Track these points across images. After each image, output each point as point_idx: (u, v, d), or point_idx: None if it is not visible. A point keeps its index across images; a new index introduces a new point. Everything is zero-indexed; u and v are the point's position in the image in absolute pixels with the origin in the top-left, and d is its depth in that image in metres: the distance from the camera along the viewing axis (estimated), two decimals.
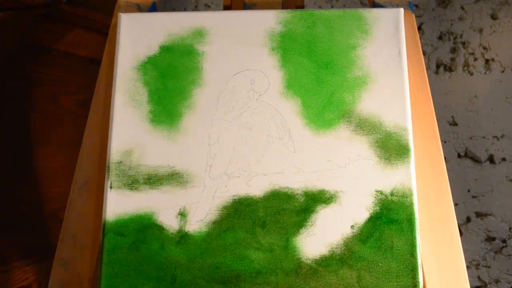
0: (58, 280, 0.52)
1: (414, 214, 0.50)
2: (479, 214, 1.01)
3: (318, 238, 0.50)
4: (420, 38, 0.85)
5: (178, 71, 0.54)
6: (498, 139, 1.00)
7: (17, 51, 0.74)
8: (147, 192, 0.51)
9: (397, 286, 0.49)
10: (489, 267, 1.01)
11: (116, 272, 0.50)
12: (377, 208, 0.50)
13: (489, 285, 1.01)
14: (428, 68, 1.03)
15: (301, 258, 0.50)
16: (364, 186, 0.51)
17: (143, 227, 0.51)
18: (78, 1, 0.81)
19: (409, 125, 0.52)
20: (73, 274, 0.52)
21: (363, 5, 1.07)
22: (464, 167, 1.02)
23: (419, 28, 1.03)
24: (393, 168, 0.51)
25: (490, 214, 1.01)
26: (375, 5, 0.61)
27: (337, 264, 0.50)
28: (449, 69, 1.02)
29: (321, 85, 0.53)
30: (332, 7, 1.09)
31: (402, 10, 0.55)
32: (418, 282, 0.49)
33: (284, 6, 0.66)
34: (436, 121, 0.56)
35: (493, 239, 1.00)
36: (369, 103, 0.53)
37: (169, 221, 0.51)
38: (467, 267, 1.00)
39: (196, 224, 0.51)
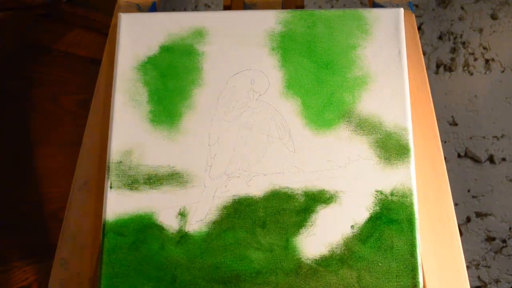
0: (58, 280, 0.52)
1: (414, 214, 0.50)
2: (479, 214, 1.01)
3: (318, 238, 0.50)
4: (420, 38, 0.85)
5: (178, 71, 0.54)
6: (498, 139, 1.00)
7: (17, 51, 0.74)
8: (147, 192, 0.51)
9: (397, 286, 0.49)
10: (489, 267, 1.01)
11: (116, 272, 0.50)
12: (377, 208, 0.50)
13: (489, 285, 1.01)
14: (428, 68, 1.03)
15: (301, 258, 0.50)
16: (364, 186, 0.51)
17: (143, 227, 0.51)
18: (78, 1, 0.81)
19: (409, 125, 0.52)
20: (73, 274, 0.52)
21: (363, 5, 1.07)
22: (464, 167, 1.02)
23: (419, 28, 1.03)
24: (393, 168, 0.51)
25: (490, 214, 1.01)
26: (375, 5, 0.61)
27: (337, 264, 0.50)
28: (449, 69, 1.02)
29: (321, 85, 0.53)
30: (332, 7, 1.09)
31: (402, 10, 0.55)
32: (418, 282, 0.49)
33: (284, 6, 0.66)
34: (436, 121, 0.56)
35: (493, 239, 1.00)
36: (369, 103, 0.53)
37: (169, 221, 0.51)
38: (467, 267, 1.00)
39: (196, 224, 0.51)
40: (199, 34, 0.55)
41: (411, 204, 0.50)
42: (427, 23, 1.04)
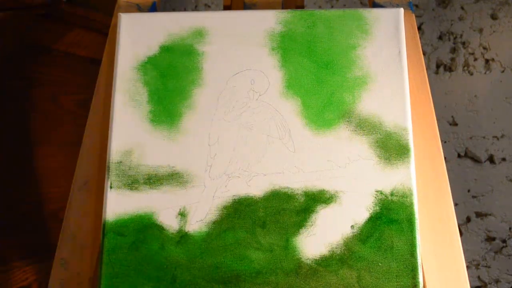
0: (58, 280, 0.52)
1: (414, 214, 0.50)
2: (479, 214, 1.01)
3: (318, 238, 0.50)
4: (420, 38, 0.85)
5: (178, 71, 0.54)
6: (498, 139, 1.00)
7: (17, 51, 0.74)
8: (147, 192, 0.51)
9: (397, 286, 0.49)
10: (489, 267, 1.01)
11: (116, 272, 0.50)
12: (377, 208, 0.50)
13: (489, 285, 1.01)
14: (428, 68, 1.03)
15: (301, 258, 0.50)
16: (364, 186, 0.51)
17: (143, 227, 0.51)
18: (78, 1, 0.81)
19: (409, 125, 0.52)
20: (73, 274, 0.52)
21: (363, 5, 1.07)
22: (464, 167, 1.02)
23: (419, 28, 1.03)
24: (393, 168, 0.51)
25: (490, 214, 1.01)
26: (375, 5, 0.61)
27: (337, 264, 0.50)
28: (449, 69, 1.02)
29: (321, 85, 0.53)
30: (332, 7, 1.09)
31: (402, 10, 0.55)
32: (418, 282, 0.49)
33: (284, 6, 0.66)
34: (436, 121, 0.56)
35: (493, 239, 1.00)
36: (369, 103, 0.53)
37: (169, 221, 0.51)
38: (467, 267, 1.00)
39: (196, 224, 0.51)
40: (199, 34, 0.55)
41: (411, 204, 0.50)
42: (427, 23, 1.04)
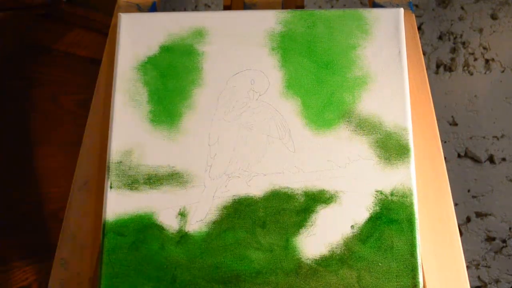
0: (58, 280, 0.52)
1: (414, 214, 0.50)
2: (479, 214, 1.01)
3: (318, 238, 0.50)
4: (420, 38, 0.85)
5: (178, 71, 0.54)
6: (498, 139, 1.00)
7: (17, 51, 0.74)
8: (147, 192, 0.51)
9: (397, 286, 0.49)
10: (489, 267, 1.01)
11: (116, 272, 0.50)
12: (377, 208, 0.50)
13: (489, 285, 1.01)
14: (428, 68, 1.03)
15: (301, 258, 0.50)
16: (364, 186, 0.51)
17: (143, 227, 0.51)
18: (78, 1, 0.81)
19: (409, 125, 0.52)
20: (73, 274, 0.52)
21: (363, 5, 1.07)
22: (464, 167, 1.02)
23: (419, 28, 1.03)
24: (393, 168, 0.51)
25: (490, 214, 1.01)
26: (375, 5, 0.61)
27: (337, 264, 0.50)
28: (449, 69, 1.02)
29: (321, 85, 0.53)
30: (332, 7, 1.09)
31: (402, 10, 0.55)
32: (418, 282, 0.49)
33: (284, 6, 0.66)
34: (436, 121, 0.56)
35: (493, 239, 1.00)
36: (369, 103, 0.53)
37: (169, 221, 0.51)
38: (467, 267, 1.00)
39: (196, 224, 0.51)
40: (199, 34, 0.55)
41: (411, 204, 0.50)
42: (427, 23, 1.04)
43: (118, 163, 0.52)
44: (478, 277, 1.01)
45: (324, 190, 0.51)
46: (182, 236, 0.51)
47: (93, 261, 0.52)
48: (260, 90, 0.53)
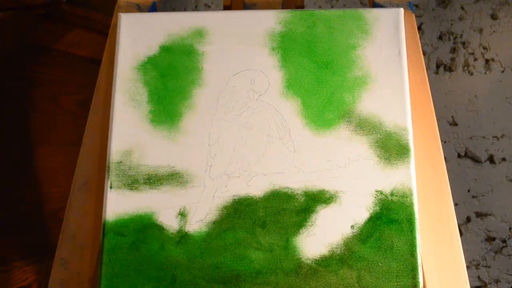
0: (58, 280, 0.52)
1: (414, 214, 0.50)
2: (479, 214, 1.01)
3: (318, 238, 0.50)
4: (420, 38, 0.85)
5: (178, 71, 0.54)
6: (498, 139, 1.00)
7: (17, 51, 0.74)
8: (147, 192, 0.51)
9: (397, 286, 0.49)
10: (489, 267, 1.01)
11: (116, 272, 0.50)
12: (377, 208, 0.50)
13: (489, 285, 1.01)
14: (428, 68, 1.03)
15: (301, 258, 0.50)
16: (364, 186, 0.51)
17: (143, 227, 0.51)
18: (78, 1, 0.81)
19: (409, 125, 0.52)
20: (73, 274, 0.52)
21: (363, 5, 1.07)
22: (464, 167, 1.02)
23: (419, 28, 1.03)
24: (393, 168, 0.51)
25: (490, 214, 1.01)
26: (375, 5, 0.61)
27: (337, 264, 0.50)
28: (449, 69, 1.02)
29: (321, 85, 0.53)
30: (332, 7, 1.09)
31: (402, 10, 0.55)
32: (418, 282, 0.49)
33: (284, 6, 0.66)
34: (436, 121, 0.56)
35: (493, 239, 1.00)
36: (369, 103, 0.53)
37: (169, 221, 0.51)
38: (467, 267, 1.00)
39: (196, 224, 0.51)
40: (199, 34, 0.55)
41: (411, 204, 0.50)
42: (427, 23, 1.04)
43: (118, 163, 0.52)
44: (478, 277, 1.01)
45: (324, 190, 0.51)
46: (182, 236, 0.51)
47: (93, 261, 0.52)
48: (260, 90, 0.53)
